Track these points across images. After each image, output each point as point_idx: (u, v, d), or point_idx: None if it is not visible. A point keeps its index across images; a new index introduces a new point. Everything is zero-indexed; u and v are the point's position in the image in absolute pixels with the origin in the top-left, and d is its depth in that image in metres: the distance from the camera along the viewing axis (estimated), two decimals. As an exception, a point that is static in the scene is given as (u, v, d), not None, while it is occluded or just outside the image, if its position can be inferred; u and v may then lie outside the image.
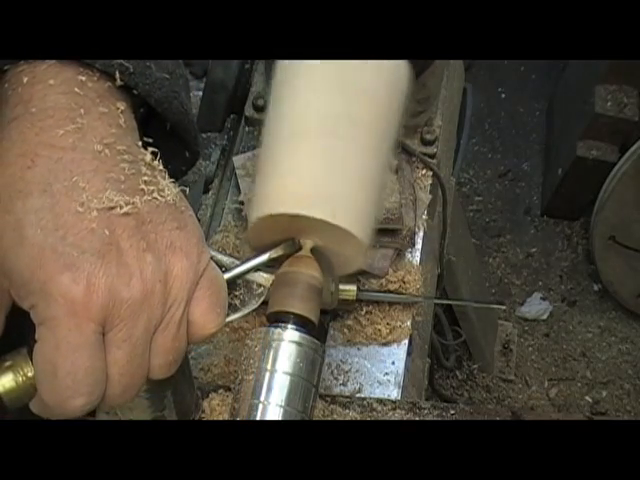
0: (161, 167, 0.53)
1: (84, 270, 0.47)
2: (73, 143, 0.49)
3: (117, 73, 0.52)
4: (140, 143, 0.53)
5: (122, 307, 0.48)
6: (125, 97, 0.54)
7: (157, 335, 0.51)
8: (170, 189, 0.52)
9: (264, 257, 0.60)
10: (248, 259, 0.60)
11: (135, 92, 0.54)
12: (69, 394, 0.48)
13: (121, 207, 0.49)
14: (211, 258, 0.54)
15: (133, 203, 0.49)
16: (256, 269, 0.60)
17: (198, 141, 0.62)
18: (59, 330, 0.47)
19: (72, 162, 0.48)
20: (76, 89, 0.51)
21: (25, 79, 0.50)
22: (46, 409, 0.51)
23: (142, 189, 0.50)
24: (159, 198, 0.51)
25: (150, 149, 0.53)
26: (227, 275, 0.58)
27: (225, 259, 0.59)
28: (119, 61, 0.52)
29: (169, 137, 0.58)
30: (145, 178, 0.51)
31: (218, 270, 0.55)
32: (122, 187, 0.49)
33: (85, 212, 0.48)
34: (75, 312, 0.47)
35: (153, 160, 0.52)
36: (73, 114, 0.50)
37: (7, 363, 0.52)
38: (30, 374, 0.51)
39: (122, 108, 0.52)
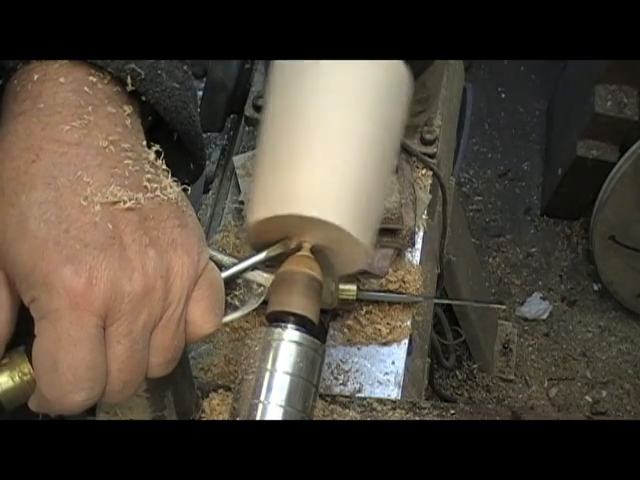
0: (164, 167, 0.53)
1: (86, 263, 0.47)
2: (78, 138, 0.49)
3: (129, 78, 0.52)
4: (145, 143, 0.53)
5: (123, 301, 0.48)
6: (133, 103, 0.54)
7: (156, 332, 0.51)
8: (172, 188, 0.52)
9: (261, 255, 0.60)
10: (246, 257, 0.60)
11: (144, 99, 0.54)
12: (69, 389, 0.48)
13: (124, 202, 0.49)
14: (210, 258, 0.54)
15: (136, 199, 0.49)
16: (255, 268, 0.60)
17: (204, 154, 0.62)
18: (60, 323, 0.47)
19: (77, 157, 0.49)
20: (86, 88, 0.51)
21: (36, 76, 0.50)
22: (45, 404, 0.50)
23: (145, 186, 0.50)
24: (161, 196, 0.51)
25: (154, 148, 0.53)
26: (225, 273, 0.57)
27: (225, 259, 0.59)
28: (131, 66, 0.52)
29: (174, 149, 0.58)
30: (148, 176, 0.51)
31: (217, 270, 0.55)
32: (126, 183, 0.49)
33: (89, 206, 0.48)
34: (77, 305, 0.46)
35: (156, 159, 0.53)
36: (81, 111, 0.50)
37: (4, 361, 0.51)
38: (27, 372, 0.50)
39: (129, 111, 0.53)
